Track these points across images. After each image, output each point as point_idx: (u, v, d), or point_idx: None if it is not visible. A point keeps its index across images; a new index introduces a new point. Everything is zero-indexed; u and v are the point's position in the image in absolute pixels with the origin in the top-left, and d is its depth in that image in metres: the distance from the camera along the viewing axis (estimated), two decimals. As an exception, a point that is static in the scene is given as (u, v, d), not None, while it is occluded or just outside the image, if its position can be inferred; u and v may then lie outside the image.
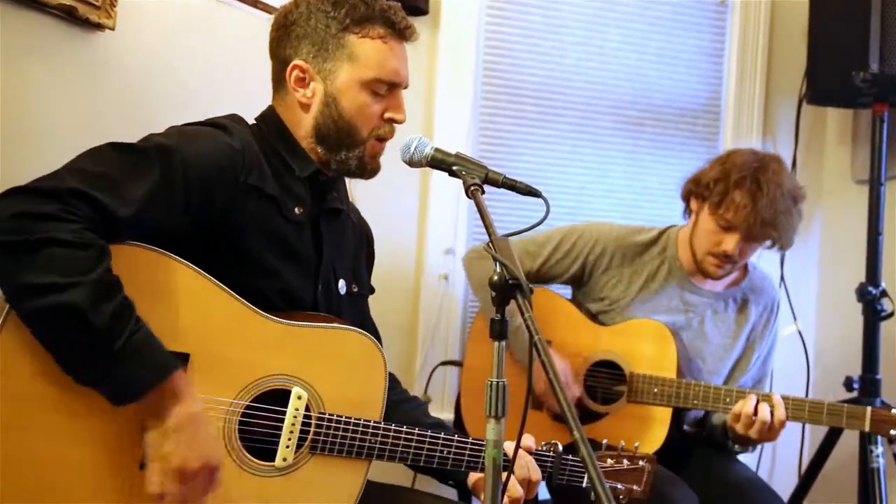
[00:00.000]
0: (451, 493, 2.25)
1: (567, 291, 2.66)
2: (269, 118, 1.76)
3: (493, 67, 3.07)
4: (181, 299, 1.50)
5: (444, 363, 2.94)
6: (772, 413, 2.20)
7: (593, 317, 2.51)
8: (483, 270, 2.50)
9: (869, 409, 2.18)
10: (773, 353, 2.60)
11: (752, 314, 2.52)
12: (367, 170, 1.76)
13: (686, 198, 2.48)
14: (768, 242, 2.37)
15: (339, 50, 1.69)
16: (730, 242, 2.33)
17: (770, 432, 2.22)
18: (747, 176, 2.30)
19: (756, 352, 2.53)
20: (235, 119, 1.72)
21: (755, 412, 2.20)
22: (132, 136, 1.58)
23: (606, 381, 2.42)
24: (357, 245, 1.90)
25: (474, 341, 2.56)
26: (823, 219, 3.38)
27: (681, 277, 2.48)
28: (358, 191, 2.39)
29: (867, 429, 2.19)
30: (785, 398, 2.22)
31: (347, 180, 1.91)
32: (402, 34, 1.73)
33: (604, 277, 2.50)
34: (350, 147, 1.72)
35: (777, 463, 3.28)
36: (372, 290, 1.97)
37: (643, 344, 2.39)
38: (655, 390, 2.32)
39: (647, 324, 2.42)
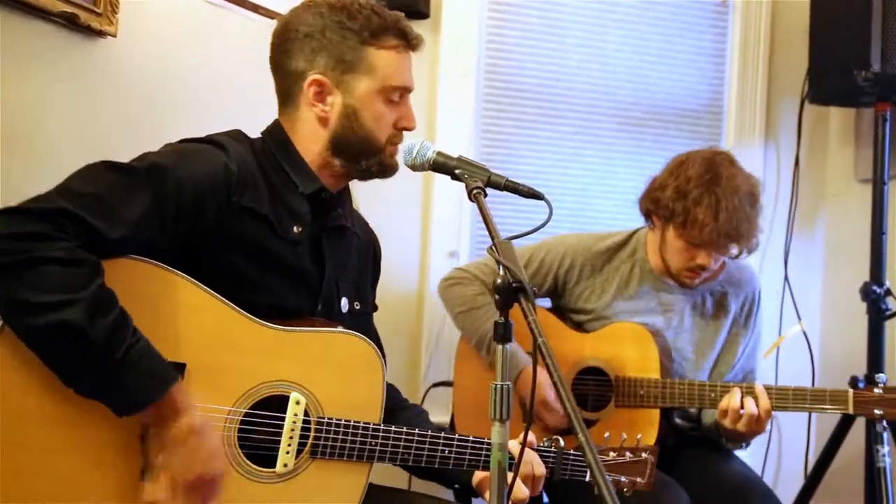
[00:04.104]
0: (448, 494, 2.24)
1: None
2: (275, 133, 1.75)
3: (494, 70, 3.07)
4: (177, 310, 1.50)
5: (437, 384, 2.92)
6: (756, 403, 2.19)
7: (576, 326, 2.51)
8: (456, 297, 2.50)
9: (851, 390, 2.17)
10: (758, 345, 2.59)
11: (732, 307, 2.51)
12: (389, 170, 1.77)
13: (646, 215, 2.46)
14: (735, 251, 2.35)
15: (359, 62, 1.69)
16: (703, 257, 2.33)
17: (758, 424, 2.21)
18: (703, 192, 2.28)
19: (741, 345, 2.51)
20: (235, 136, 1.70)
21: (741, 405, 2.20)
22: (134, 143, 1.59)
23: (593, 387, 2.42)
24: (362, 262, 1.90)
25: (461, 362, 2.56)
26: (827, 218, 3.37)
27: (653, 278, 2.48)
28: (361, 196, 2.38)
29: (851, 410, 2.17)
30: (768, 387, 2.22)
31: (353, 190, 1.90)
32: (413, 45, 1.75)
33: (577, 289, 2.50)
34: (370, 155, 1.72)
35: (782, 464, 3.27)
36: (375, 308, 1.96)
37: (625, 347, 2.39)
38: (641, 392, 2.32)
39: (626, 327, 2.41)
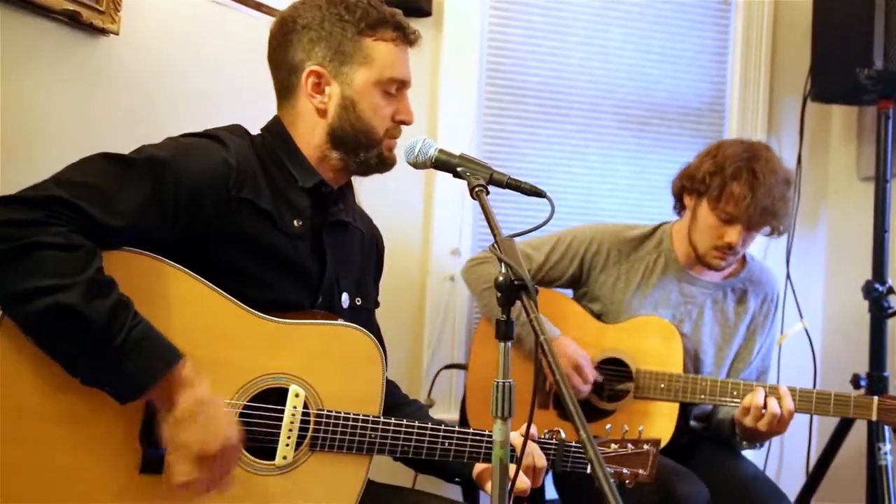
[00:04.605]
0: (454, 492, 2.25)
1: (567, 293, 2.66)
2: (274, 129, 1.76)
3: (496, 68, 3.07)
4: (174, 303, 1.50)
5: (449, 366, 2.94)
6: (780, 404, 2.19)
7: (597, 316, 2.51)
8: (482, 275, 2.51)
9: (876, 398, 2.18)
10: (773, 346, 2.59)
11: (752, 305, 2.52)
12: (387, 163, 1.78)
13: (678, 194, 2.48)
14: (767, 230, 2.37)
15: (357, 53, 1.70)
16: (733, 234, 2.33)
17: (780, 424, 2.20)
18: (742, 167, 2.30)
19: (757, 343, 2.52)
20: (235, 131, 1.71)
21: (764, 405, 2.19)
22: (136, 140, 1.59)
23: (613, 378, 2.42)
24: (365, 257, 1.90)
25: (480, 343, 2.57)
26: (829, 216, 3.37)
27: (678, 270, 2.49)
28: (363, 193, 2.39)
29: (874, 417, 2.18)
30: (791, 389, 2.22)
31: (355, 187, 1.91)
32: (410, 39, 1.76)
33: (602, 276, 2.50)
34: (368, 147, 1.73)
35: (784, 461, 3.27)
36: (377, 304, 1.97)
37: (649, 341, 2.39)
38: (662, 386, 2.32)
39: (652, 321, 2.42)
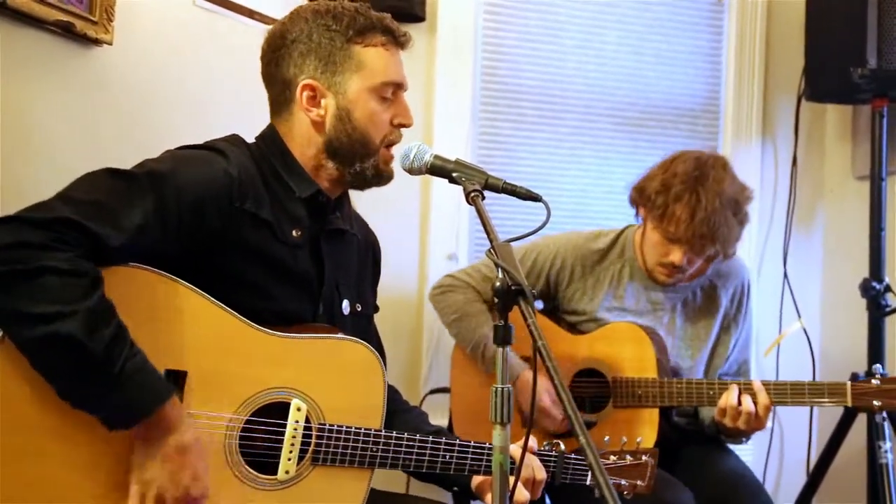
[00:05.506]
0: (446, 497, 2.24)
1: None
2: (270, 137, 1.75)
3: (491, 72, 3.07)
4: (178, 317, 1.50)
5: (434, 391, 2.92)
6: (755, 401, 2.19)
7: (570, 327, 2.50)
8: (450, 304, 2.49)
9: (849, 383, 2.17)
10: (751, 335, 2.58)
11: (723, 300, 2.50)
12: (384, 177, 1.76)
13: (633, 205, 2.46)
14: (710, 252, 2.32)
15: (347, 61, 1.69)
16: (676, 254, 2.31)
17: (757, 421, 2.21)
18: (687, 188, 2.27)
19: (732, 337, 2.51)
20: (233, 141, 1.70)
21: (739, 403, 2.20)
22: (131, 150, 1.59)
23: (591, 389, 2.41)
24: (362, 264, 1.90)
25: (456, 369, 2.55)
26: (826, 215, 3.38)
27: (643, 278, 2.46)
28: (360, 200, 2.39)
29: (850, 403, 2.17)
30: (766, 383, 2.22)
31: (351, 195, 1.90)
32: (400, 42, 1.75)
33: (568, 291, 2.49)
34: (364, 157, 1.72)
35: (785, 462, 3.27)
36: (376, 309, 1.97)
37: (621, 347, 2.37)
38: (640, 392, 2.31)
39: (621, 327, 2.40)
